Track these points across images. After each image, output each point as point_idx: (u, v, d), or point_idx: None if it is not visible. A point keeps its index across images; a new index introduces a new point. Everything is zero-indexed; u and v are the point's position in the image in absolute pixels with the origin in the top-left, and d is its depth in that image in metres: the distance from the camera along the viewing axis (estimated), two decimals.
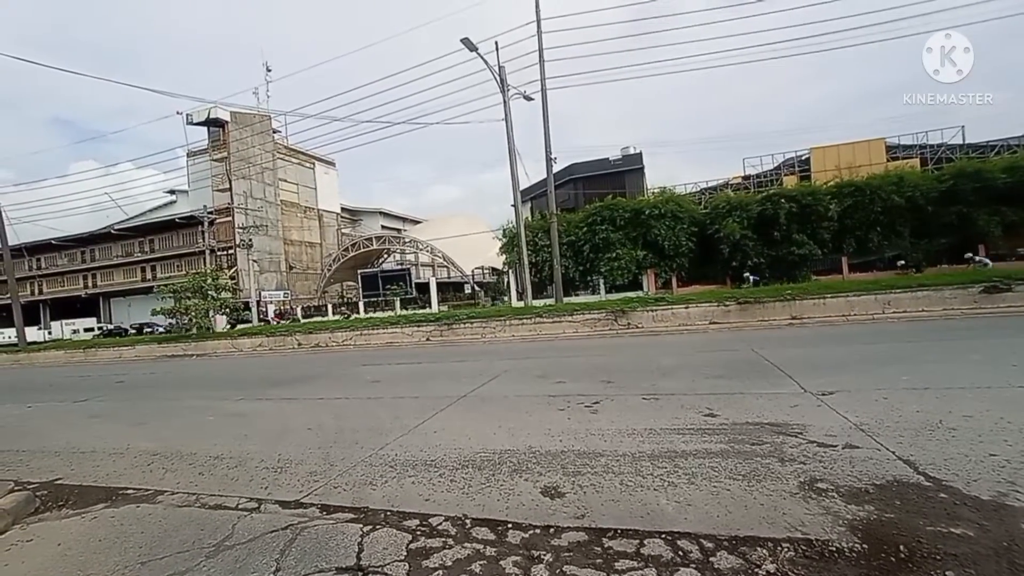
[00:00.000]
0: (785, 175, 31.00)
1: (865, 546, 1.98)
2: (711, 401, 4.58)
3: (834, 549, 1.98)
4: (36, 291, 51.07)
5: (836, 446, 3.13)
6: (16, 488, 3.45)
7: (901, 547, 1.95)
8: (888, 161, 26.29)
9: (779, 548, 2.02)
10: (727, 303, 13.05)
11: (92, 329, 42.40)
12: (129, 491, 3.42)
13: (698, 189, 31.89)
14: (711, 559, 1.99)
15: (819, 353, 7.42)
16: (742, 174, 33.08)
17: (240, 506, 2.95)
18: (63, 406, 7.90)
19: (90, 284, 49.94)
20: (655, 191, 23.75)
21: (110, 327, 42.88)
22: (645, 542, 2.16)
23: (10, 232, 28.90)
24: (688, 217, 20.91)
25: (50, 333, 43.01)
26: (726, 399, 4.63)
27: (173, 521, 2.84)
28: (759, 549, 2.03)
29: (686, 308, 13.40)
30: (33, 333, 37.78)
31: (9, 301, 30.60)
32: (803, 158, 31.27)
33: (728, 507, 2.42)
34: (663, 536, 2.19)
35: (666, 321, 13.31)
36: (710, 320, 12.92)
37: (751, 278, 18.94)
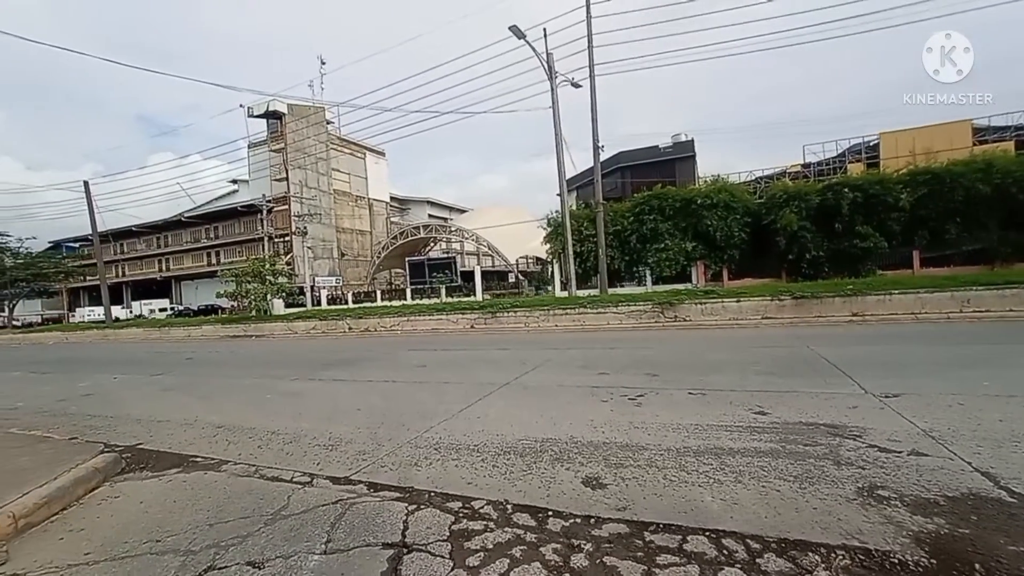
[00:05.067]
0: (850, 163, 28.92)
1: (933, 561, 1.85)
2: (762, 399, 4.39)
3: (896, 561, 1.86)
4: (120, 273, 55.97)
5: (900, 452, 2.93)
6: (106, 450, 3.83)
7: (976, 565, 1.81)
8: (974, 145, 23.92)
9: (833, 555, 1.93)
10: (781, 297, 12.42)
11: (165, 309, 46.09)
12: (198, 459, 3.71)
13: (753, 178, 30.36)
14: (758, 560, 1.92)
15: (883, 352, 6.93)
16: (801, 162, 31.17)
17: (294, 479, 3.14)
18: (142, 379, 8.64)
19: (164, 268, 54.21)
20: (707, 180, 22.79)
21: (180, 308, 46.41)
22: (688, 538, 2.12)
23: (99, 220, 31.68)
24: (742, 207, 19.97)
25: (131, 312, 47.13)
26: (778, 397, 4.43)
27: (236, 489, 3.06)
28: (810, 554, 1.94)
29: (737, 302, 12.87)
30: (117, 311, 41.47)
31: (99, 283, 33.71)
32: (871, 144, 29.02)
33: (777, 508, 2.33)
34: (707, 533, 2.14)
35: (716, 315, 12.85)
36: (763, 315, 12.35)
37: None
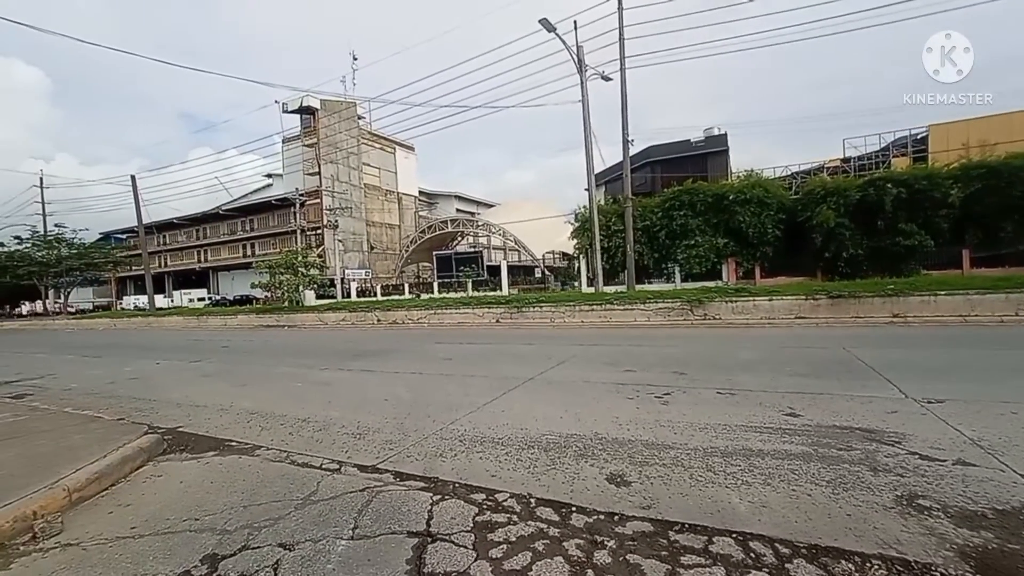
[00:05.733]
0: (894, 157, 27.53)
1: None
2: (793, 400, 4.26)
3: (939, 575, 1.78)
4: (162, 264, 58.57)
5: (944, 461, 2.80)
6: (150, 431, 4.04)
7: None
8: None
9: (868, 564, 1.86)
10: (817, 296, 11.98)
11: (204, 299, 47.96)
12: (233, 443, 3.87)
13: (788, 173, 29.31)
14: (787, 566, 1.87)
15: (926, 356, 6.61)
16: (840, 156, 29.87)
17: (323, 466, 3.23)
18: (182, 364, 9.05)
19: (202, 259, 56.40)
20: (740, 175, 22.12)
21: (217, 297, 48.28)
22: (714, 539, 2.08)
23: (144, 212, 33.22)
24: (776, 203, 19.32)
25: (172, 301, 49.29)
26: (811, 399, 4.29)
27: (268, 474, 3.17)
28: (843, 562, 1.88)
29: (770, 300, 12.49)
30: (160, 300, 43.47)
31: (144, 272, 35.45)
32: (918, 137, 27.53)
33: (808, 513, 2.27)
34: (734, 535, 2.10)
35: (747, 314, 12.51)
36: (796, 315, 11.95)
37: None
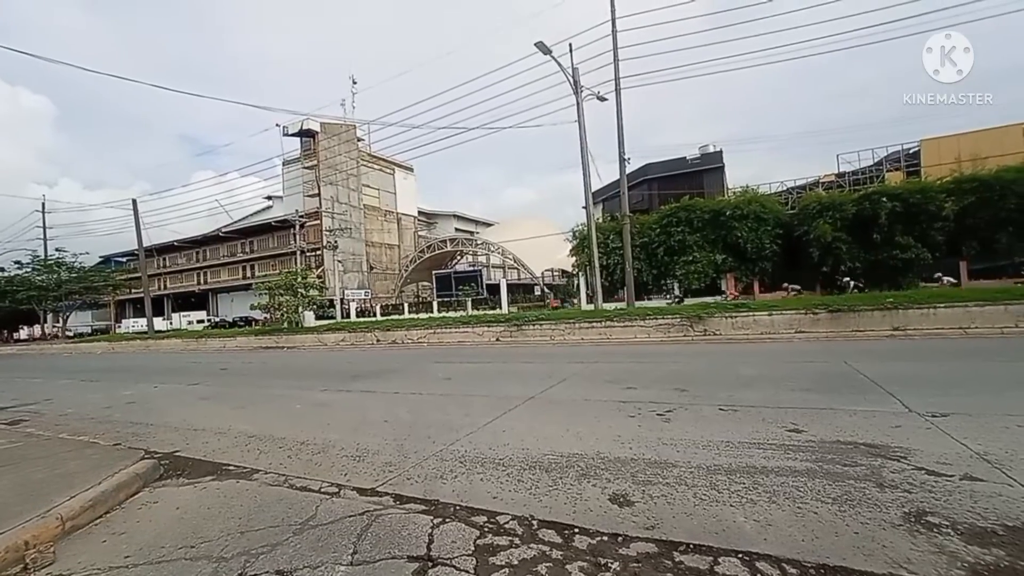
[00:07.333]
0: (888, 171, 27.92)
1: None
2: (796, 416, 4.23)
3: None
4: (162, 286, 58.62)
5: (951, 476, 2.76)
6: (146, 456, 3.98)
7: None
8: None
9: None
10: (816, 311, 11.98)
11: (203, 321, 47.85)
12: (231, 467, 3.81)
13: (784, 189, 29.65)
14: None
15: (928, 369, 6.58)
16: (835, 172, 30.29)
17: (322, 490, 3.18)
18: (180, 387, 8.97)
19: (202, 281, 56.48)
20: (736, 191, 22.40)
21: (216, 319, 48.16)
22: (720, 560, 2.04)
23: (144, 236, 33.39)
24: (773, 218, 19.52)
25: (171, 324, 49.15)
26: (814, 414, 4.25)
27: (266, 498, 3.12)
28: None
29: (769, 315, 12.49)
30: (159, 323, 43.34)
31: (143, 295, 35.46)
32: (911, 151, 27.95)
33: (815, 531, 2.23)
34: (740, 555, 2.06)
35: (747, 329, 12.49)
36: (796, 329, 11.94)
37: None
